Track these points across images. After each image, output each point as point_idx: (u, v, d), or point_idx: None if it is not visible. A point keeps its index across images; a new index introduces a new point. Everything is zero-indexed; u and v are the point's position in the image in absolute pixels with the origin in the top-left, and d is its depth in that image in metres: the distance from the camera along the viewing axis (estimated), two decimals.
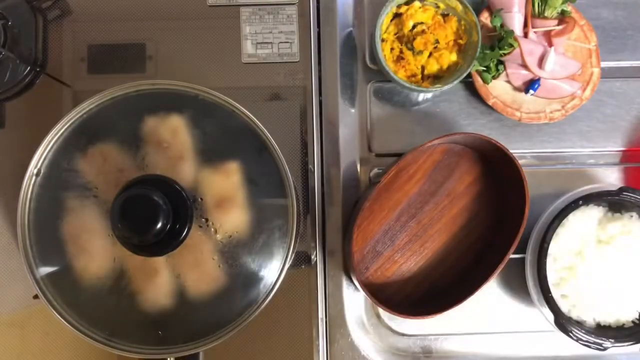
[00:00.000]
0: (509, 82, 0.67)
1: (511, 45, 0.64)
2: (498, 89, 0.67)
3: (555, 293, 0.60)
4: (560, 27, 0.66)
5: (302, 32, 0.67)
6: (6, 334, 0.64)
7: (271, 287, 0.53)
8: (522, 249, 0.62)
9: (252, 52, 0.67)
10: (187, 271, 0.52)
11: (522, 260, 0.63)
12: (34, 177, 0.53)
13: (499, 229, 0.65)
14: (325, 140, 0.67)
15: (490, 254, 0.64)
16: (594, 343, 0.59)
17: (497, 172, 0.64)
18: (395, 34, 0.66)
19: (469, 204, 0.65)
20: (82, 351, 0.63)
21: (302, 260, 0.65)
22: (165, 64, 0.67)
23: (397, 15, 0.66)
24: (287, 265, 0.53)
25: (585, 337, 0.59)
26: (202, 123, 0.53)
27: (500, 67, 0.66)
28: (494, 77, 0.66)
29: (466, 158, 0.65)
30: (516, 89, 0.67)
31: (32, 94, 0.67)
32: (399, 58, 0.65)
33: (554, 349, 0.66)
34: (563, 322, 0.59)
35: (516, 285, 0.66)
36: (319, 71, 0.67)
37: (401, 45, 0.65)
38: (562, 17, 0.66)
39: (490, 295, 0.66)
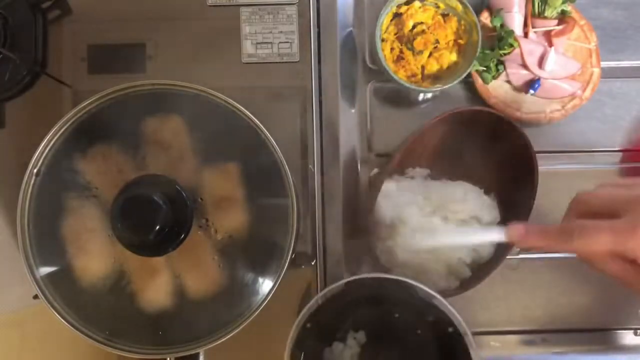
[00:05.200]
0: (509, 82, 0.67)
1: (511, 45, 0.64)
2: (498, 89, 0.67)
3: None
4: (560, 27, 0.66)
5: (302, 32, 0.67)
6: (6, 334, 0.64)
7: (271, 287, 0.53)
8: None
9: (252, 52, 0.67)
10: (187, 271, 0.52)
11: None
12: (34, 177, 0.53)
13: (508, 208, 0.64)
14: (325, 140, 0.67)
15: None
16: None
17: (503, 148, 0.63)
18: (395, 34, 0.66)
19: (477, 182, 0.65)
20: (82, 351, 0.63)
21: (302, 260, 0.65)
22: (165, 64, 0.67)
23: (397, 15, 0.66)
24: (287, 265, 0.53)
25: None
26: (202, 123, 0.53)
27: (500, 67, 0.66)
28: (494, 77, 0.66)
29: (471, 138, 0.64)
30: (516, 89, 0.67)
31: (32, 94, 0.67)
32: (399, 58, 0.65)
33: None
34: None
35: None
36: (319, 71, 0.67)
37: (401, 45, 0.65)
38: (562, 17, 0.66)
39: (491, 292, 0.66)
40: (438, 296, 0.53)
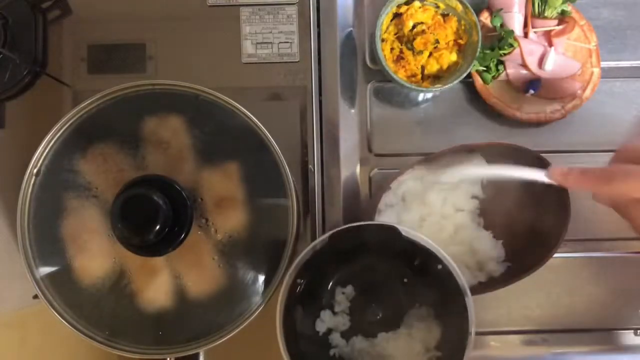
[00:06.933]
0: (509, 82, 0.67)
1: (511, 45, 0.64)
2: (498, 89, 0.67)
3: None
4: (560, 27, 0.66)
5: (302, 32, 0.67)
6: (6, 334, 0.64)
7: (271, 287, 0.53)
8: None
9: (252, 52, 0.67)
10: (187, 271, 0.52)
11: None
12: (34, 177, 0.53)
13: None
14: (325, 140, 0.67)
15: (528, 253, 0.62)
16: None
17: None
18: (395, 34, 0.66)
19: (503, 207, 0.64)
20: (82, 351, 0.63)
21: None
22: (165, 64, 0.67)
23: (397, 15, 0.66)
24: (287, 266, 0.53)
25: None
26: (202, 123, 0.53)
27: (500, 67, 0.66)
28: (494, 77, 0.66)
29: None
30: (516, 89, 0.67)
31: (32, 94, 0.67)
32: (399, 58, 0.65)
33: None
34: None
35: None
36: (319, 71, 0.67)
37: (401, 45, 0.65)
38: (562, 17, 0.66)
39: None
40: (422, 236, 0.54)
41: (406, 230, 0.54)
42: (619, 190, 0.47)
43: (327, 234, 0.54)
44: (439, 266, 0.54)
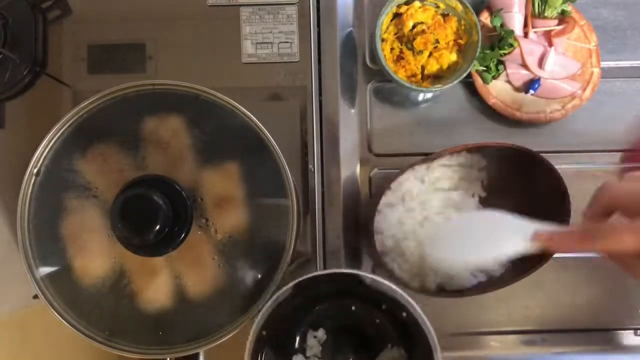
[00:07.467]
0: (509, 82, 0.67)
1: (511, 45, 0.64)
2: (498, 89, 0.67)
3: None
4: (560, 27, 0.66)
5: (302, 32, 0.67)
6: (6, 334, 0.64)
7: (271, 287, 0.53)
8: None
9: (252, 52, 0.67)
10: (187, 271, 0.52)
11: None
12: (34, 177, 0.53)
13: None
14: (325, 140, 0.67)
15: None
16: None
17: (532, 182, 0.63)
18: (395, 34, 0.66)
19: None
20: (82, 351, 0.63)
21: (302, 260, 0.65)
22: (165, 64, 0.67)
23: (397, 15, 0.66)
24: (286, 265, 0.53)
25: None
26: (202, 123, 0.53)
27: (500, 67, 0.66)
28: (494, 77, 0.66)
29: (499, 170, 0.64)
30: (516, 89, 0.67)
31: (32, 94, 0.67)
32: (399, 58, 0.65)
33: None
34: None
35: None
36: (319, 71, 0.67)
37: (401, 45, 0.65)
38: (562, 17, 0.66)
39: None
40: (387, 282, 0.53)
41: (370, 277, 0.52)
42: (603, 248, 0.46)
43: (290, 284, 0.52)
44: (404, 314, 0.52)
